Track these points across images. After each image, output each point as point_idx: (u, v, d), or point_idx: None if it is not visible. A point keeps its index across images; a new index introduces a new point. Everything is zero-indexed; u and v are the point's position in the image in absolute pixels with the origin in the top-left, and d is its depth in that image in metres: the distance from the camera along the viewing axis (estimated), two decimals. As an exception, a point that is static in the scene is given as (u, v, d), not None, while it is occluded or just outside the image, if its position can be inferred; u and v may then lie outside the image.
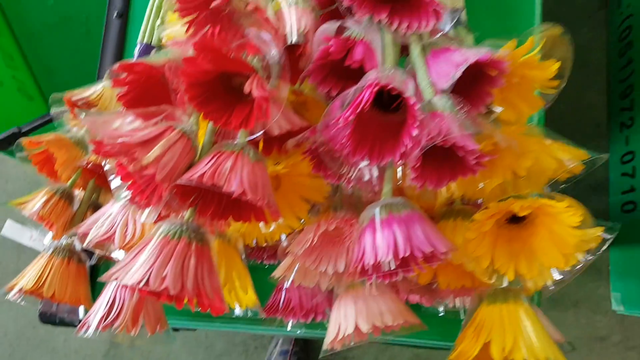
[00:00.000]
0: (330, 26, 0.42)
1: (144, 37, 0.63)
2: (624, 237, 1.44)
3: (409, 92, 0.37)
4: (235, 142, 0.39)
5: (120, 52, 0.68)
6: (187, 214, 0.38)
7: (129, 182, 0.39)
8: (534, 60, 0.43)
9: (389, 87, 0.37)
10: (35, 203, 0.55)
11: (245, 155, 0.38)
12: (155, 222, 0.39)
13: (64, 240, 0.55)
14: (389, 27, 0.43)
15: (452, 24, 0.49)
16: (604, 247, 0.44)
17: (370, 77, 0.38)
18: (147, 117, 0.40)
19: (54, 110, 0.60)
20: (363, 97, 0.36)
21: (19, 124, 1.15)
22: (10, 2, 1.33)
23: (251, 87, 0.38)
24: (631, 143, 1.41)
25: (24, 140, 0.56)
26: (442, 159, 0.40)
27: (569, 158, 0.45)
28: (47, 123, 1.17)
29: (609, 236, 0.44)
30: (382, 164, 0.41)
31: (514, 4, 0.64)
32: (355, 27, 0.42)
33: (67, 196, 0.56)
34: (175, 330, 0.83)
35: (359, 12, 0.43)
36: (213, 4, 0.40)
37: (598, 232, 0.42)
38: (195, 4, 0.41)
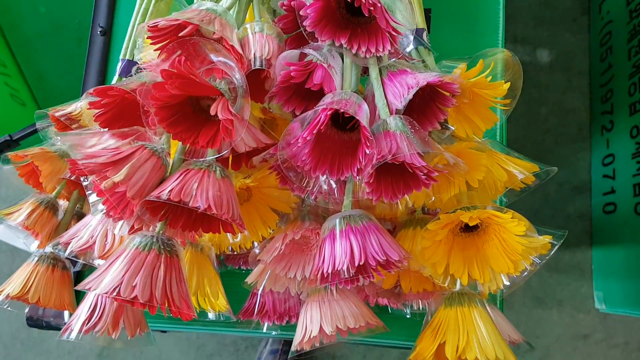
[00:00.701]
0: (292, 52, 0.45)
1: (125, 53, 0.66)
2: (605, 238, 1.47)
3: (360, 115, 0.40)
4: (203, 160, 0.42)
5: (104, 68, 0.71)
6: (158, 227, 0.41)
7: (104, 198, 0.42)
8: (484, 81, 0.46)
9: (342, 111, 0.40)
10: (21, 213, 0.58)
11: (212, 173, 0.41)
12: (129, 233, 0.42)
13: (48, 249, 0.57)
14: (349, 50, 0.46)
15: (414, 45, 0.52)
16: (552, 252, 0.48)
17: (327, 100, 0.41)
18: (121, 137, 0.43)
19: (39, 125, 0.63)
20: (319, 119, 0.40)
21: (12, 130, 1.18)
22: (2, 9, 1.35)
23: (216, 109, 0.41)
24: (611, 146, 1.45)
25: (10, 154, 0.59)
26: (397, 174, 0.43)
27: (519, 170, 0.48)
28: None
29: (557, 243, 0.47)
30: (342, 178, 0.44)
31: (478, 24, 0.67)
32: (316, 52, 0.45)
33: (51, 207, 0.59)
34: (164, 332, 0.86)
35: (321, 37, 0.46)
36: (181, 33, 0.43)
37: (544, 240, 0.45)
38: (165, 32, 0.44)
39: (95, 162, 0.39)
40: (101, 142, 0.41)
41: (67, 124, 0.59)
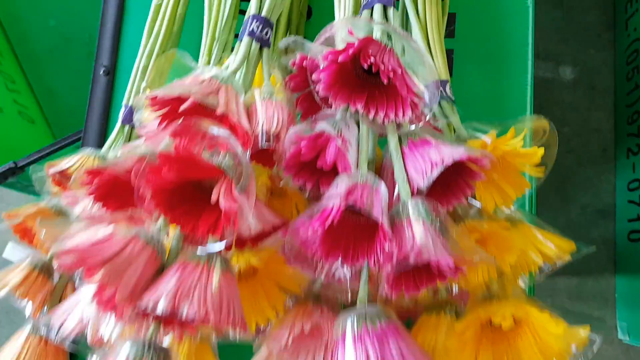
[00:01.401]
0: (302, 127, 0.40)
1: (129, 99, 0.62)
2: (630, 265, 1.41)
3: (377, 208, 0.35)
4: (201, 253, 0.38)
5: (107, 111, 0.67)
6: (150, 330, 0.37)
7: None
8: (517, 150, 0.42)
9: (356, 207, 0.35)
10: (14, 277, 0.54)
11: (212, 268, 0.37)
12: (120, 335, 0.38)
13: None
14: (365, 116, 0.42)
15: (435, 104, 0.47)
16: (595, 350, 0.43)
17: (340, 187, 0.37)
18: (113, 221, 0.39)
19: (35, 176, 0.60)
20: (331, 212, 0.35)
21: (20, 150, 1.15)
22: (11, 23, 1.32)
23: (218, 196, 0.36)
24: (638, 170, 1.38)
25: (3, 214, 0.55)
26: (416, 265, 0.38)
27: (555, 253, 0.43)
28: (46, 157, 1.16)
29: (597, 338, 0.42)
30: (357, 265, 0.40)
31: (505, 64, 0.62)
32: (328, 125, 0.40)
33: (46, 270, 0.56)
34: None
35: (335, 102, 0.41)
36: (182, 107, 0.38)
37: (583, 335, 0.40)
38: (165, 103, 0.39)
39: (79, 259, 0.34)
40: (88, 234, 0.37)
41: (61, 181, 0.56)
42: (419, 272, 0.38)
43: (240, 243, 0.43)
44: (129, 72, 0.64)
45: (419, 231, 0.36)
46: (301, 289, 0.46)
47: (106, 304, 0.36)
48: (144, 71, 0.63)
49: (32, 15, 1.34)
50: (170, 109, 0.41)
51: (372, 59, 0.39)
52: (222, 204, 0.36)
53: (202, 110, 0.40)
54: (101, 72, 0.68)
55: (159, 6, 0.63)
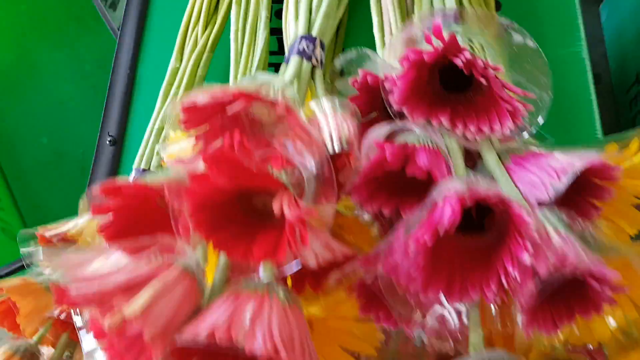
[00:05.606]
0: (382, 130, 0.33)
1: (141, 162, 0.55)
2: None
3: (512, 200, 0.26)
4: (258, 280, 0.28)
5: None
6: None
7: (107, 342, 0.27)
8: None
9: (484, 199, 0.26)
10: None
11: (274, 297, 0.27)
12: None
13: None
14: (451, 132, 0.34)
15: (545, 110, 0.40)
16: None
17: (447, 187, 0.28)
18: (136, 251, 0.29)
19: (24, 249, 0.49)
20: (446, 213, 0.26)
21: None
22: (1, 141, 1.27)
23: (281, 206, 0.27)
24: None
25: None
26: (554, 293, 0.28)
27: None
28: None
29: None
30: (465, 302, 0.30)
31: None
32: (410, 133, 0.33)
33: (29, 356, 0.43)
34: None
35: (414, 115, 0.34)
36: (230, 110, 0.30)
37: None
38: (204, 113, 0.32)
39: (97, 289, 0.24)
40: (107, 262, 0.27)
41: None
42: (555, 305, 0.28)
43: (299, 284, 0.33)
44: (137, 142, 0.58)
45: (558, 241, 0.27)
46: (374, 348, 0.35)
47: (125, 351, 0.25)
48: (158, 134, 0.56)
49: (24, 133, 1.29)
50: (209, 125, 0.33)
51: (464, 56, 0.33)
52: (288, 213, 0.27)
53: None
54: (107, 140, 0.61)
55: (177, 69, 0.58)
